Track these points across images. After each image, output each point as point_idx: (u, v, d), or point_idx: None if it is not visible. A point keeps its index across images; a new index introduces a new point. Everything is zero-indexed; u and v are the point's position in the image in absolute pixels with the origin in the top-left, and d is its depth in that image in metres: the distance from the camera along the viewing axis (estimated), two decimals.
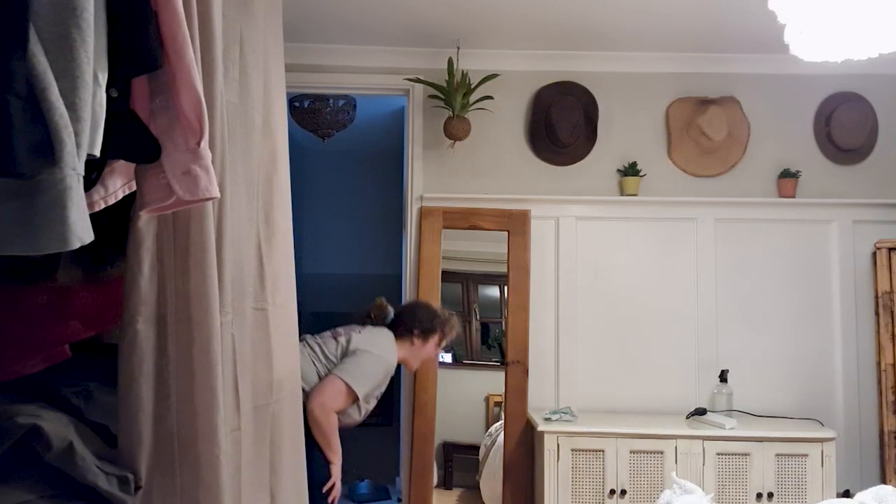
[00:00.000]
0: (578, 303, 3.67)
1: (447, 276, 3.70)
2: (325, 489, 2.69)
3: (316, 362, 2.79)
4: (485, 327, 4.08)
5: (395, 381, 4.32)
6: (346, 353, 2.79)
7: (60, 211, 0.98)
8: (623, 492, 3.14)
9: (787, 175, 3.67)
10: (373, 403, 2.86)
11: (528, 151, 3.75)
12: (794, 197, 3.67)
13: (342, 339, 2.85)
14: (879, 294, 3.56)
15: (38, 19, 0.96)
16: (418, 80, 3.61)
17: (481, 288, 4.07)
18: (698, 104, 3.70)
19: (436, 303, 3.55)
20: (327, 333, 2.94)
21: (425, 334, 3.00)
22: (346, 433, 2.82)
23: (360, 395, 2.69)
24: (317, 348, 2.84)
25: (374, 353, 2.82)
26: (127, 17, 1.15)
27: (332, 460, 2.69)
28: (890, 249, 3.57)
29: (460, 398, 3.95)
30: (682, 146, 3.74)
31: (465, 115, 3.56)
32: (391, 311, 3.03)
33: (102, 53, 1.12)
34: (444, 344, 3.08)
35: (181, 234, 1.49)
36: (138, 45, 1.18)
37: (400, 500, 3.83)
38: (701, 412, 3.40)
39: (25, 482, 1.30)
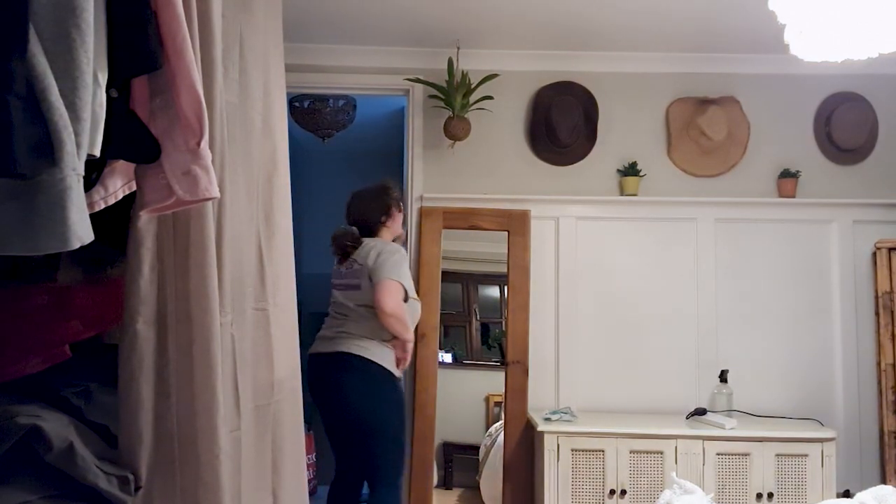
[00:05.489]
0: (578, 303, 3.67)
1: (447, 276, 3.70)
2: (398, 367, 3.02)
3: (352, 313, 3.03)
4: (485, 327, 4.08)
5: None
6: (373, 269, 2.99)
7: (60, 211, 0.98)
8: (623, 492, 3.14)
9: (787, 175, 3.67)
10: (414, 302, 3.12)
11: (527, 151, 3.75)
12: (794, 197, 3.67)
13: (357, 267, 3.03)
14: (879, 294, 3.56)
15: (38, 19, 0.96)
16: (418, 80, 3.61)
17: (481, 288, 4.07)
18: (698, 104, 3.70)
19: (434, 303, 3.57)
20: (336, 295, 3.12)
21: (388, 214, 3.20)
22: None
23: (403, 283, 2.97)
24: (347, 306, 3.04)
25: (388, 250, 3.04)
26: (127, 18, 1.15)
27: (408, 338, 3.00)
28: (890, 249, 3.57)
29: (460, 398, 3.94)
30: (682, 146, 3.74)
31: (465, 115, 3.55)
32: (354, 229, 3.18)
33: (102, 53, 1.12)
34: (400, 204, 3.29)
35: (181, 235, 1.49)
36: (138, 46, 1.18)
37: None
38: (701, 412, 3.41)
39: (26, 483, 1.30)
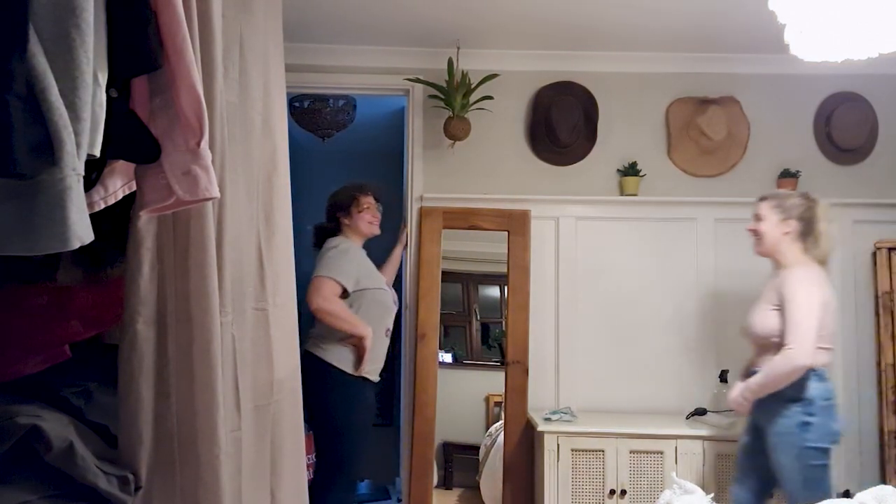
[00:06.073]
0: (578, 303, 3.67)
1: (447, 276, 3.70)
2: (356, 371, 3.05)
3: None
4: (485, 327, 4.09)
5: (394, 382, 4.33)
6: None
7: (60, 211, 0.98)
8: (623, 492, 3.14)
9: (787, 175, 3.67)
10: (378, 285, 3.20)
11: (527, 151, 3.75)
12: None
13: None
14: (879, 294, 3.55)
15: (38, 19, 0.96)
16: (418, 80, 3.61)
17: (481, 288, 4.08)
18: (698, 104, 3.70)
19: (434, 303, 3.57)
20: None
21: (344, 209, 3.28)
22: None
23: (335, 277, 3.02)
24: None
25: (326, 248, 3.16)
26: (127, 18, 1.15)
27: (362, 333, 3.02)
28: (890, 249, 3.56)
29: (460, 398, 3.95)
30: (681, 146, 3.73)
31: (465, 115, 3.55)
32: (325, 226, 3.35)
33: (102, 53, 1.12)
34: (365, 204, 3.29)
35: (181, 235, 1.49)
36: (138, 46, 1.18)
37: (400, 500, 3.83)
38: (701, 412, 3.40)
39: (26, 482, 1.31)
